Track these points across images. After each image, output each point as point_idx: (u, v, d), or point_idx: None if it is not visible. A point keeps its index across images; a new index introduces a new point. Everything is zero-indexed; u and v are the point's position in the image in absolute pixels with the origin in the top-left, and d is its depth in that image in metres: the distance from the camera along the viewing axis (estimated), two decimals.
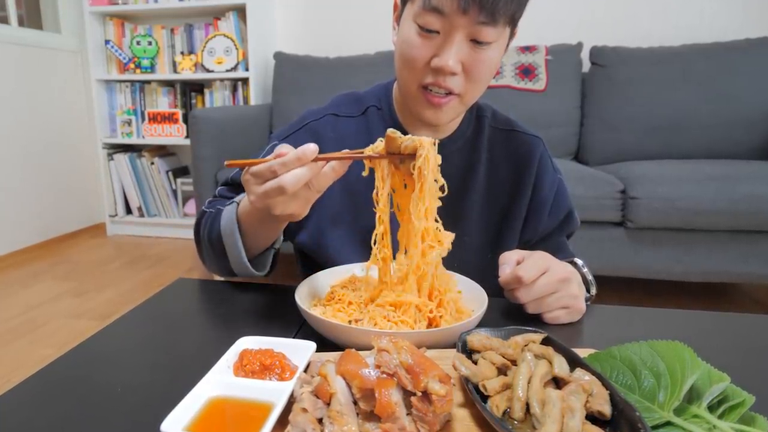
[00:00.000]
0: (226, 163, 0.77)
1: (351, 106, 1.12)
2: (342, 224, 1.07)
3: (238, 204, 0.92)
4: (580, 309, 0.86)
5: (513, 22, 0.92)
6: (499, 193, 1.11)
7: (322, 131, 1.08)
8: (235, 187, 1.08)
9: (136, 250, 3.72)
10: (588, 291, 0.91)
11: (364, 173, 0.83)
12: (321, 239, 1.07)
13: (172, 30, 3.90)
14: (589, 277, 0.92)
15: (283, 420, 0.52)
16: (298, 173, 0.71)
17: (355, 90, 1.16)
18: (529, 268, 0.82)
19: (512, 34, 0.97)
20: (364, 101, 1.12)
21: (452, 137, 1.09)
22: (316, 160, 0.72)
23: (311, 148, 0.71)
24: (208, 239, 0.97)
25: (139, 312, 0.89)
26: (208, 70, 3.77)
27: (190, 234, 3.67)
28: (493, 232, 1.11)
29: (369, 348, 0.59)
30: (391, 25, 1.04)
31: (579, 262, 0.93)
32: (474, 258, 1.07)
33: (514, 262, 0.84)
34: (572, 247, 1.20)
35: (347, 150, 0.81)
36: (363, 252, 1.04)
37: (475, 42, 0.89)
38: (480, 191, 1.10)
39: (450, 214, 1.03)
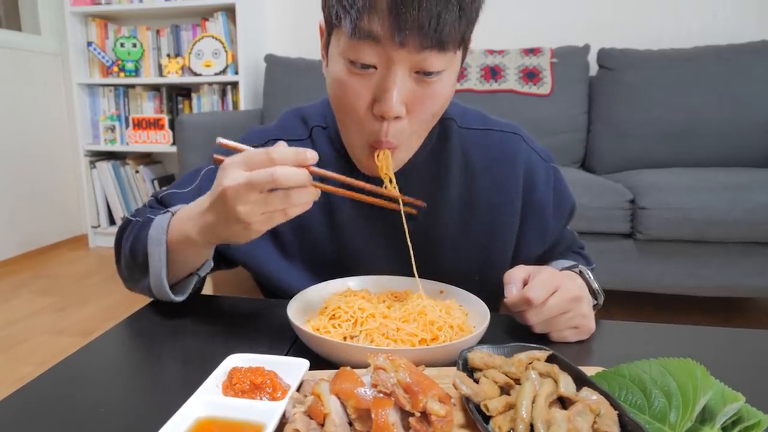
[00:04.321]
0: (218, 140, 0.74)
1: (297, 127, 1.05)
2: (294, 257, 1.03)
3: (172, 215, 0.87)
4: (590, 329, 0.85)
5: (464, 42, 0.83)
6: (479, 206, 1.03)
7: None
8: (163, 207, 1.00)
9: None
10: (595, 299, 0.91)
11: None
12: (271, 269, 1.02)
13: (157, 31, 3.91)
14: (595, 286, 0.90)
15: None
16: (293, 171, 0.68)
17: (301, 106, 1.10)
18: (538, 288, 0.80)
19: (465, 52, 0.88)
20: (309, 121, 1.05)
21: None
22: (309, 170, 0.71)
23: (311, 154, 0.70)
24: (130, 250, 0.91)
25: (123, 328, 0.89)
26: (195, 74, 3.78)
27: None
28: (477, 252, 1.05)
29: (365, 366, 0.59)
30: (320, 53, 0.94)
31: (586, 272, 0.92)
32: (456, 283, 0.94)
33: (520, 282, 0.84)
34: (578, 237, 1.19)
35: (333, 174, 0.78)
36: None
37: (421, 73, 0.80)
38: (454, 207, 1.03)
39: (419, 237, 0.97)
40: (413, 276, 0.91)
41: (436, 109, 0.86)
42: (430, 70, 0.79)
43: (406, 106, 0.82)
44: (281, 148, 0.70)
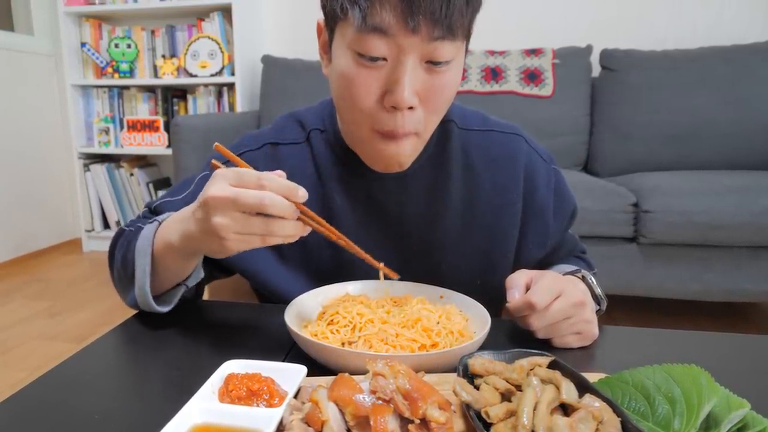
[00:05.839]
0: (216, 145, 0.75)
1: (293, 131, 1.05)
2: (292, 265, 1.03)
3: (159, 224, 0.87)
4: (593, 335, 0.85)
5: (469, 32, 0.84)
6: (480, 209, 1.03)
7: (259, 165, 0.85)
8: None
9: None
10: (598, 304, 0.90)
11: None
12: (269, 278, 1.02)
13: (152, 32, 3.92)
14: (597, 291, 0.90)
15: None
16: (281, 200, 0.69)
17: (296, 110, 1.09)
18: (541, 293, 0.80)
19: (467, 44, 0.88)
20: (306, 124, 1.04)
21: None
22: (298, 206, 0.71)
23: (303, 192, 0.71)
24: (121, 261, 0.91)
25: (118, 333, 0.89)
26: (191, 75, 3.78)
27: None
28: (479, 256, 1.05)
29: (363, 372, 0.59)
30: (318, 54, 0.95)
31: (589, 277, 0.92)
32: (457, 288, 0.93)
33: (523, 287, 0.84)
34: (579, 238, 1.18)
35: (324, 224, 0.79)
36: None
37: (431, 63, 0.81)
38: (456, 211, 1.03)
39: (420, 244, 0.99)
40: (413, 281, 0.91)
41: (447, 98, 0.87)
42: (440, 59, 0.80)
43: (418, 96, 0.82)
44: (275, 177, 0.70)
